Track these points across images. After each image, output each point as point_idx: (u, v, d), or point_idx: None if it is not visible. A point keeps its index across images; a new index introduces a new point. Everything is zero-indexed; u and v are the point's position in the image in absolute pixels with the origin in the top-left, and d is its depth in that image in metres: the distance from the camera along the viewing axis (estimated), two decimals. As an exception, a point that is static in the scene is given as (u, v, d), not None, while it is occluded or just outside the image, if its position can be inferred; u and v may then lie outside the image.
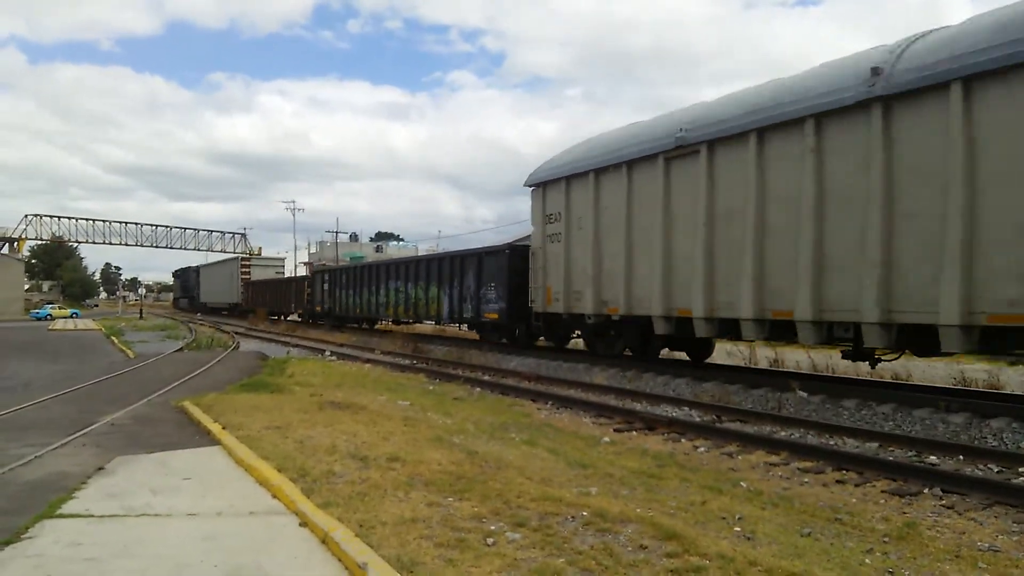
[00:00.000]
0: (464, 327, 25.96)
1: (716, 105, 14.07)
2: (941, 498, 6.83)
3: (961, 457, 8.34)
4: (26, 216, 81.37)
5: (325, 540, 5.08)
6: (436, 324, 28.83)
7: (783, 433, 9.98)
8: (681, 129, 14.00)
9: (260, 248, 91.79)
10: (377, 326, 35.33)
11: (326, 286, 38.06)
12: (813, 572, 4.61)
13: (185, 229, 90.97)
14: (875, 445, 9.14)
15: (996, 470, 7.89)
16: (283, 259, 66.97)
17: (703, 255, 13.58)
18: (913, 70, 10.30)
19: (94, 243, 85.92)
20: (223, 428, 9.25)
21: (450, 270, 24.45)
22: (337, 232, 79.05)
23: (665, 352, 18.12)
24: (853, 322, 11.10)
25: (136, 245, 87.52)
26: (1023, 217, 9.18)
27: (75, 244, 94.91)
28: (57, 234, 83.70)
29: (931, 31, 11.04)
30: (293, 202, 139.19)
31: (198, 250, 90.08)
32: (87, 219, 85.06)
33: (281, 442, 8.32)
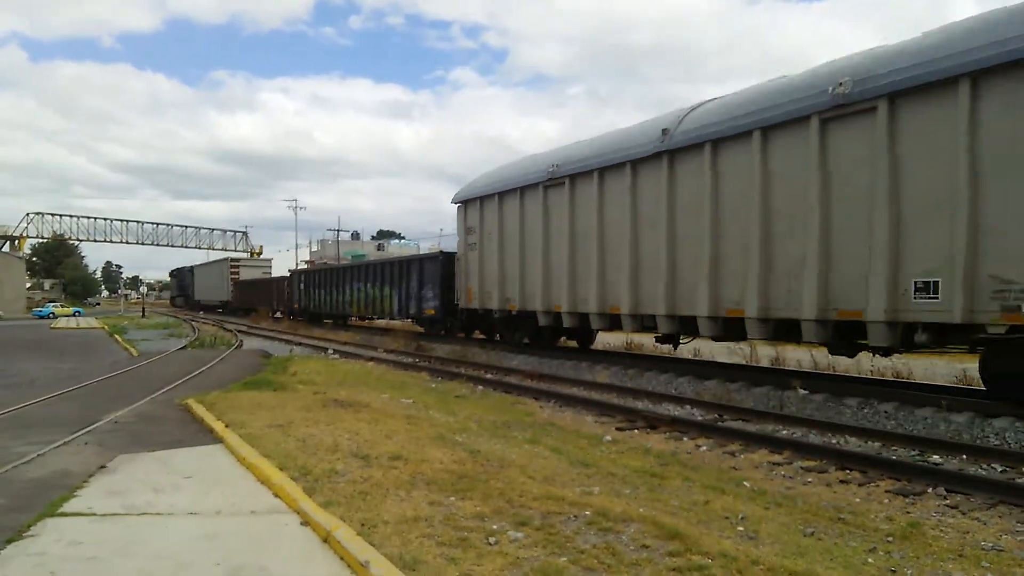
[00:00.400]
0: (411, 321, 29.37)
1: (578, 147, 17.99)
2: (945, 498, 6.82)
3: (964, 456, 8.33)
4: (27, 214, 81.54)
5: (327, 539, 5.08)
6: (389, 319, 31.56)
7: (785, 432, 9.97)
8: (553, 165, 17.89)
9: (262, 247, 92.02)
10: (350, 322, 37.45)
11: (302, 286, 41.16)
12: (816, 571, 4.59)
13: (187, 227, 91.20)
14: (878, 444, 9.13)
15: (1000, 469, 7.87)
16: (270, 260, 70.14)
17: (567, 263, 17.38)
18: (686, 132, 14.08)
19: (95, 241, 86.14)
20: (226, 426, 9.25)
21: (399, 273, 27.97)
22: (339, 231, 79.11)
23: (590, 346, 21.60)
24: (653, 314, 14.89)
25: (138, 243, 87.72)
26: (745, 241, 12.76)
27: (76, 242, 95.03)
28: (59, 232, 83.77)
29: (709, 100, 14.84)
30: (295, 200, 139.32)
31: (199, 248, 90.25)
32: (89, 217, 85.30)
33: (283, 440, 8.32)
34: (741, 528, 5.56)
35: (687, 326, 14.50)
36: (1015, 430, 9.23)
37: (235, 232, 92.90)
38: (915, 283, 10.38)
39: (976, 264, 9.71)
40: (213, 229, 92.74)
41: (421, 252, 41.07)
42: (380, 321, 34.29)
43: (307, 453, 7.65)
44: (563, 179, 17.50)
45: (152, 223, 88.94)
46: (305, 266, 64.15)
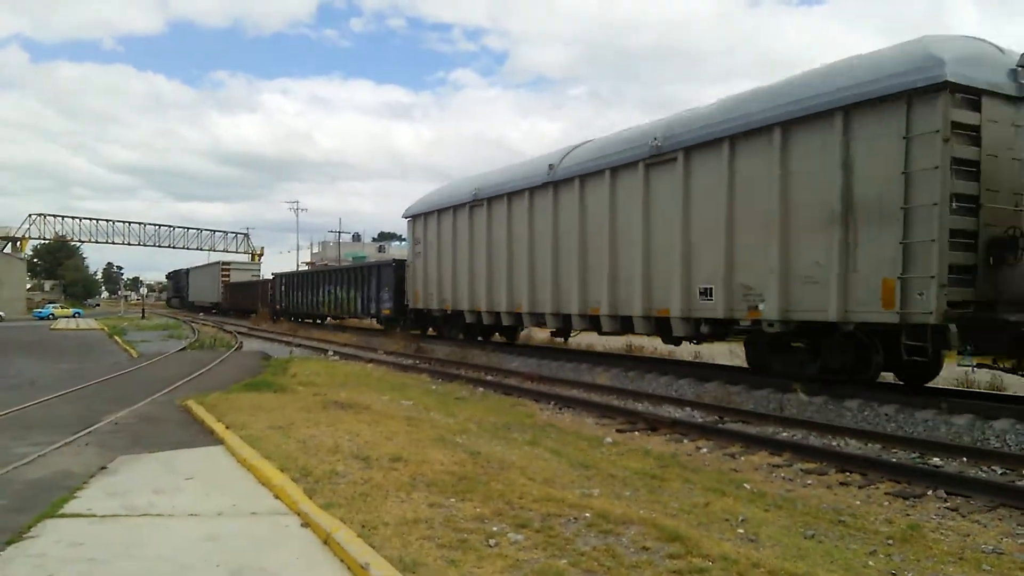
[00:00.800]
0: (372, 320, 33.61)
1: (494, 175, 22.18)
2: (945, 500, 6.81)
3: (964, 459, 8.32)
4: (30, 215, 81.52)
5: (327, 541, 5.08)
6: (353, 317, 36.09)
7: (785, 434, 9.96)
8: (476, 189, 21.99)
9: (263, 248, 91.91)
10: (327, 321, 40.75)
11: (283, 288, 45.31)
12: (816, 574, 4.60)
13: (188, 229, 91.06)
14: (878, 447, 9.12)
15: (1000, 472, 7.86)
16: (259, 264, 78.49)
17: (485, 270, 21.18)
18: (565, 168, 18.04)
19: (97, 242, 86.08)
20: (226, 428, 9.25)
21: (361, 277, 31.97)
22: (340, 232, 79.11)
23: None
24: (543, 313, 18.90)
25: (139, 245, 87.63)
26: (600, 256, 16.58)
27: (78, 243, 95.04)
28: (60, 233, 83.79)
29: (586, 142, 18.57)
30: (296, 202, 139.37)
31: (200, 250, 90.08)
32: (90, 218, 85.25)
33: (284, 442, 8.32)
34: (741, 530, 5.56)
35: (568, 322, 18.23)
36: (1015, 432, 9.23)
37: (236, 234, 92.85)
38: (699, 289, 13.97)
39: (732, 275, 13.25)
40: (215, 231, 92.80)
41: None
42: (354, 320, 37.50)
43: (308, 454, 7.65)
44: (483, 201, 21.47)
45: (154, 224, 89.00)
46: (306, 267, 65.58)
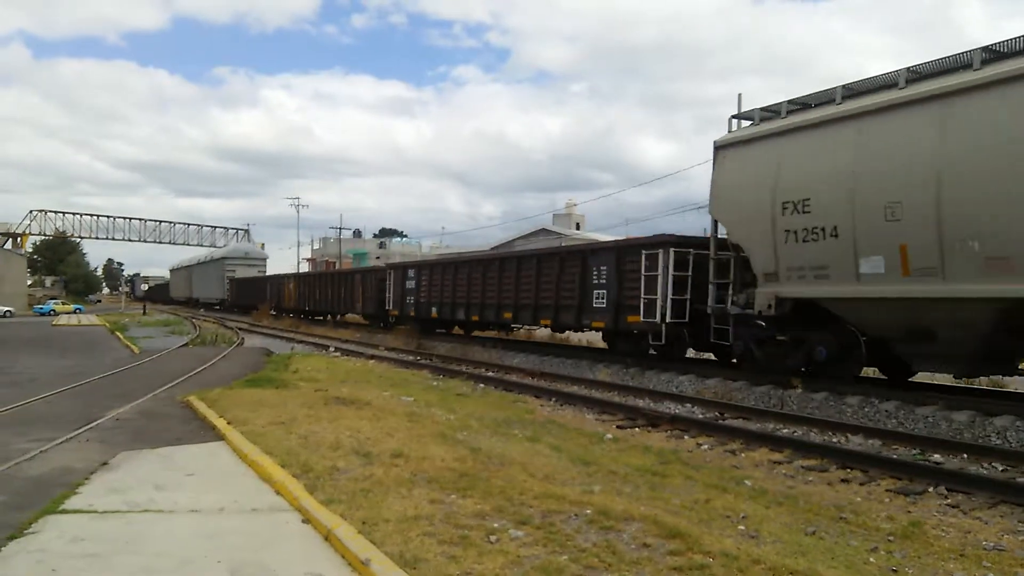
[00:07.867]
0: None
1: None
2: (946, 497, 6.81)
3: (965, 456, 8.32)
4: (31, 211, 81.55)
5: (328, 537, 5.08)
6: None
7: (786, 430, 9.96)
8: (189, 263, 74.55)
9: (263, 245, 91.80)
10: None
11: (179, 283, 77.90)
12: (817, 570, 4.60)
13: (188, 225, 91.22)
14: (878, 443, 9.12)
15: (1001, 469, 7.86)
16: (165, 275, 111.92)
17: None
18: (207, 258, 73.45)
19: (98, 239, 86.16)
20: (228, 423, 9.25)
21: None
22: (340, 228, 79.06)
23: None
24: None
25: (139, 241, 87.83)
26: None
27: (78, 239, 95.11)
28: (61, 229, 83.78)
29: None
30: (297, 199, 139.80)
31: (201, 246, 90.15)
32: (91, 215, 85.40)
33: (285, 438, 8.32)
34: (742, 527, 5.56)
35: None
36: (1016, 429, 9.23)
37: (237, 230, 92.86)
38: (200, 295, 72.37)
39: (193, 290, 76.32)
40: (215, 227, 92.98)
41: (423, 251, 49.97)
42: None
43: (309, 450, 7.65)
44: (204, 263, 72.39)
45: (154, 220, 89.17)
46: (307, 265, 79.40)
